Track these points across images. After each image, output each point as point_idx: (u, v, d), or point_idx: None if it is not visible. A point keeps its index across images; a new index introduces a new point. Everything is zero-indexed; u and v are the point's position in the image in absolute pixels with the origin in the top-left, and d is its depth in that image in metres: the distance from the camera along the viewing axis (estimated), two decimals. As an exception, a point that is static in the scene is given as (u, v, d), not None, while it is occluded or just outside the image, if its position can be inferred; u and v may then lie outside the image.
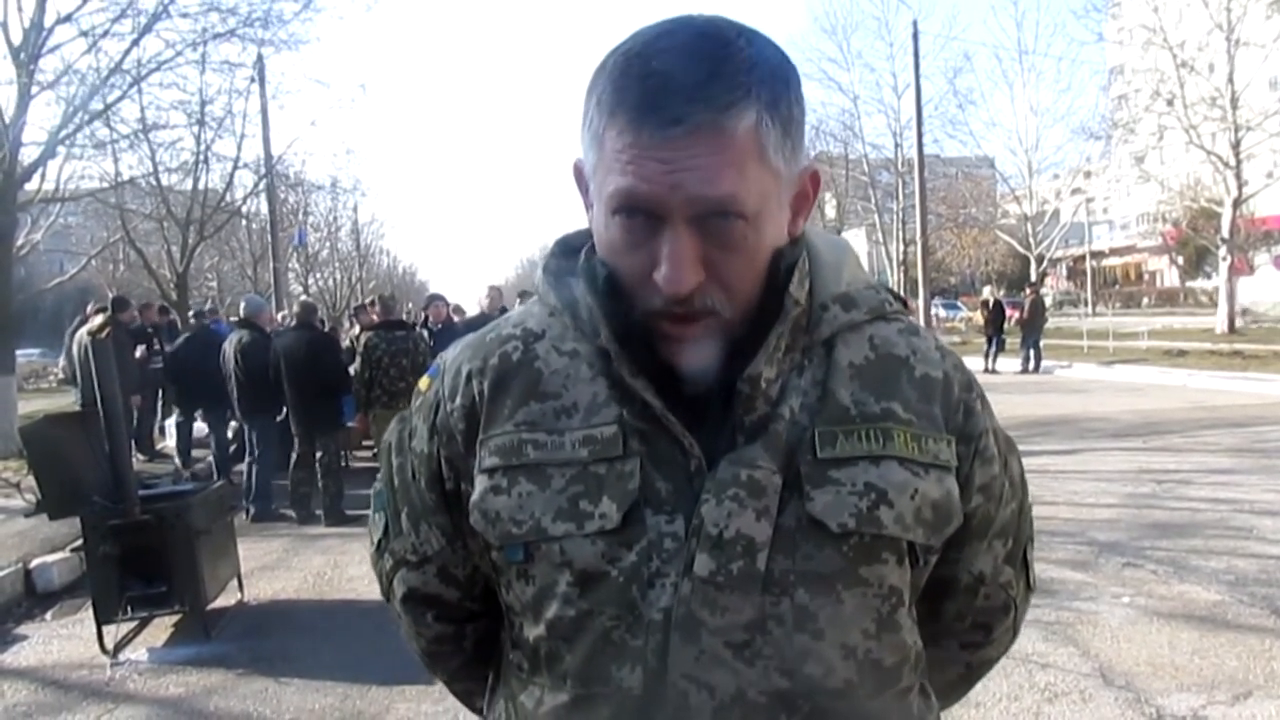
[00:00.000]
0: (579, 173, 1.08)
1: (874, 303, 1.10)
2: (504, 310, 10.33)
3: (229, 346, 9.48)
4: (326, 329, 10.76)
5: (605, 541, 0.98)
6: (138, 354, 11.81)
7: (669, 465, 1.00)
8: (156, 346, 13.88)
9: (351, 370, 9.08)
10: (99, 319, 12.02)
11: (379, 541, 1.20)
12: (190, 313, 16.89)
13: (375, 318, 10.07)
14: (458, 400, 1.09)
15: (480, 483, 1.04)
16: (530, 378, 1.06)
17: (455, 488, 1.10)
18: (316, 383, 8.69)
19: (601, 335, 1.02)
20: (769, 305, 1.01)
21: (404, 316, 11.86)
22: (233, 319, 15.05)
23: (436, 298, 11.96)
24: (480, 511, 1.04)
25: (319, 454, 8.83)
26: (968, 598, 1.18)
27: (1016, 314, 22.89)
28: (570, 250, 1.14)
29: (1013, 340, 22.95)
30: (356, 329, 10.83)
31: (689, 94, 0.91)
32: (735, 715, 0.96)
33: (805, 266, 1.05)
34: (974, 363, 21.76)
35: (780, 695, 0.97)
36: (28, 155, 13.08)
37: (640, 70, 0.94)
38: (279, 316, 15.52)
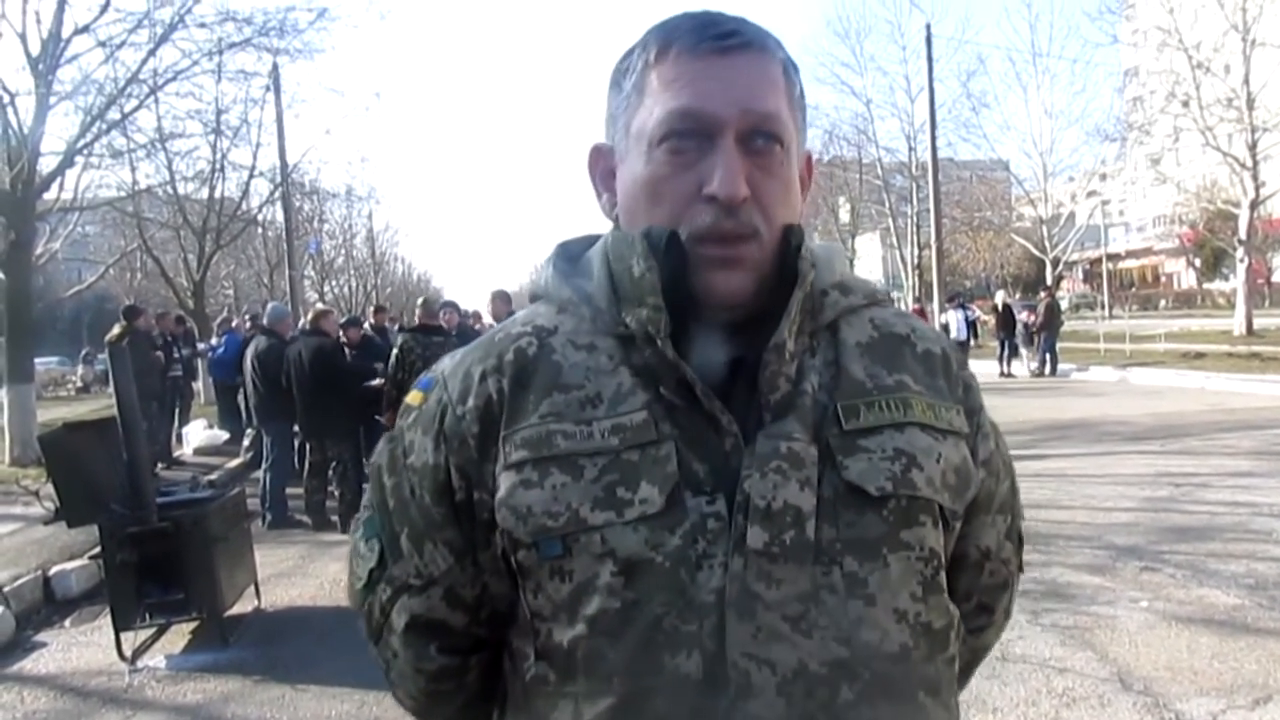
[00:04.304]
0: (596, 157, 1.12)
1: (867, 289, 1.14)
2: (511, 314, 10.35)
3: (249, 353, 9.55)
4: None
5: (647, 527, 0.96)
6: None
7: (703, 446, 0.99)
8: (176, 355, 14.00)
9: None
10: (117, 328, 12.13)
11: (370, 572, 1.12)
12: (248, 316, 17.05)
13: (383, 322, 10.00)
14: (470, 402, 1.05)
15: (507, 479, 1.01)
16: (550, 371, 1.04)
17: (467, 498, 1.06)
18: (324, 389, 8.70)
19: (644, 310, 1.01)
20: (783, 283, 1.03)
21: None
22: (247, 327, 15.19)
23: (449, 304, 11.97)
24: (509, 508, 1.00)
25: (333, 461, 8.86)
26: (975, 573, 1.19)
27: (1031, 317, 22.86)
28: (572, 256, 1.14)
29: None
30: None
31: (737, 22, 1.04)
32: (799, 689, 0.95)
33: (807, 251, 1.07)
34: (989, 366, 21.74)
35: (840, 664, 0.96)
36: (46, 165, 13.19)
37: (689, 16, 1.05)
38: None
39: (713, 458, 0.99)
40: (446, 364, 1.12)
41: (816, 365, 1.06)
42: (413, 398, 1.13)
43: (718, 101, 0.99)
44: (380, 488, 1.12)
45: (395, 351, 8.59)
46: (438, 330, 9.13)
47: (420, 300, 10.66)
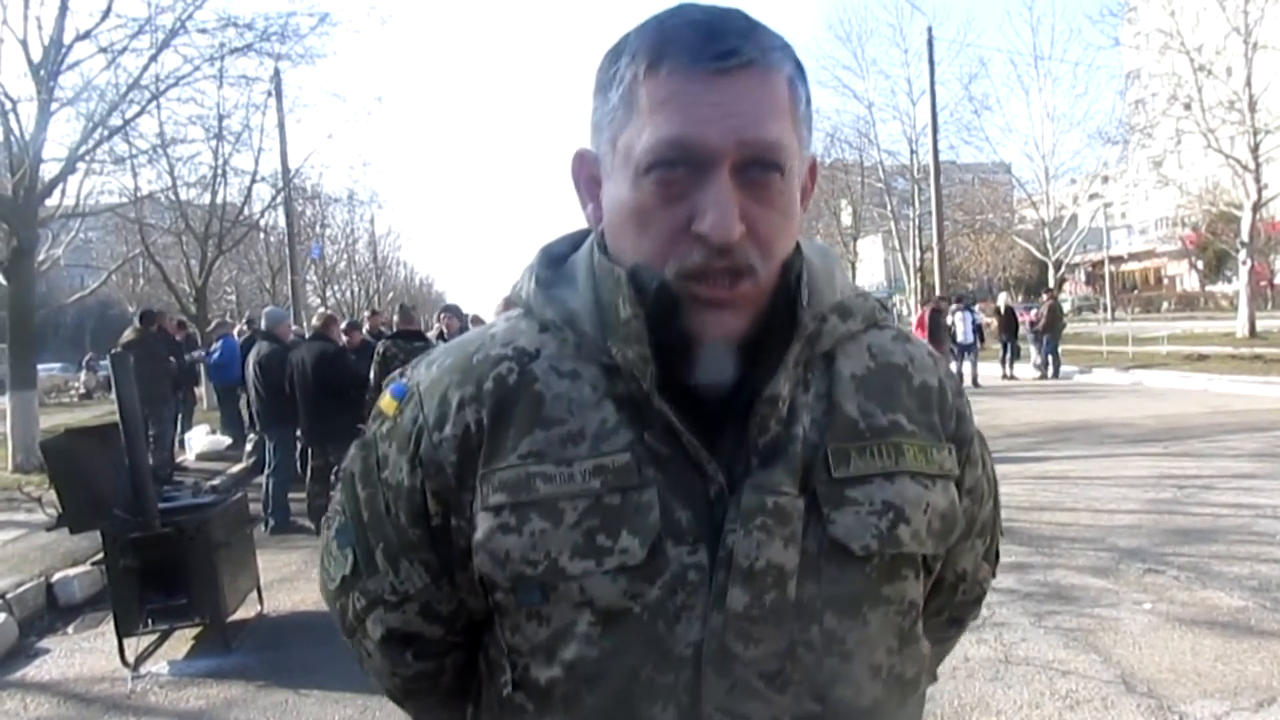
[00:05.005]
0: (580, 164, 1.05)
1: (867, 311, 1.08)
2: None
3: (251, 358, 9.56)
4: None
5: (627, 578, 0.94)
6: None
7: (687, 492, 0.95)
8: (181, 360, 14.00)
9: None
10: (130, 332, 12.14)
11: (344, 578, 1.09)
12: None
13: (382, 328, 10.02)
14: (447, 430, 1.01)
15: (485, 521, 0.97)
16: (531, 403, 0.99)
17: (444, 523, 1.02)
18: (327, 394, 8.70)
19: (630, 351, 0.95)
20: (778, 316, 0.98)
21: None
22: (240, 330, 15.18)
23: (450, 308, 11.96)
24: (488, 552, 0.97)
25: (335, 465, 8.86)
26: (949, 594, 1.19)
27: (1031, 319, 22.84)
28: (557, 260, 1.09)
29: (1026, 346, 22.93)
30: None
31: (739, 33, 0.93)
32: None
33: (805, 277, 1.01)
34: (992, 369, 21.73)
35: (812, 719, 0.96)
36: (48, 171, 13.17)
37: (686, 18, 0.95)
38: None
39: (696, 505, 0.96)
40: (422, 375, 1.07)
41: (809, 401, 1.01)
42: (386, 405, 1.08)
43: (712, 130, 0.91)
44: (354, 497, 1.08)
45: (377, 358, 8.59)
46: (418, 335, 9.22)
47: (398, 306, 10.68)
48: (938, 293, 25.90)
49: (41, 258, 16.19)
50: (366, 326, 11.97)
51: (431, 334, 11.59)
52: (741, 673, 0.94)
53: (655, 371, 0.95)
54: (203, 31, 14.61)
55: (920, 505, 1.01)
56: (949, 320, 20.63)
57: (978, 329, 21.74)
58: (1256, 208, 25.93)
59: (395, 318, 9.88)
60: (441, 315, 11.45)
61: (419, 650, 1.11)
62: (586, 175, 1.06)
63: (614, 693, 0.95)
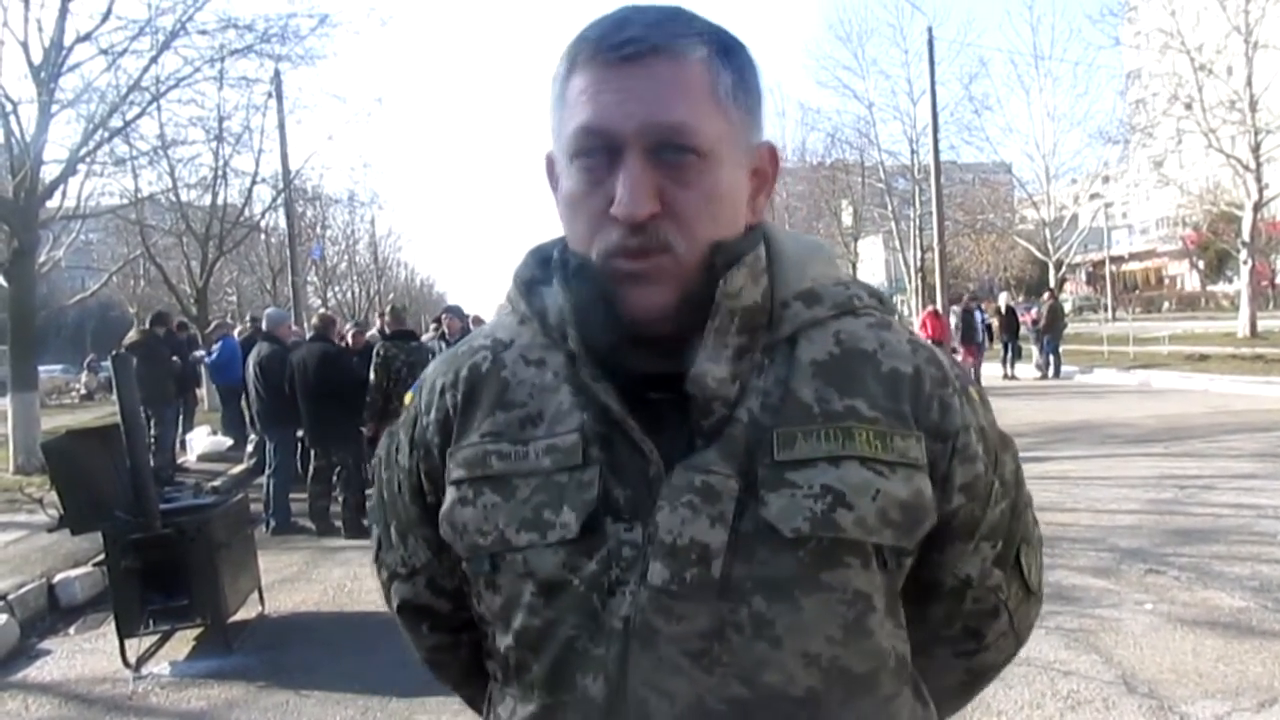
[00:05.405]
0: (549, 165, 1.09)
1: (840, 298, 1.07)
2: None
3: (251, 359, 9.57)
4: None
5: (566, 551, 0.98)
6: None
7: (628, 472, 0.99)
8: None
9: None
10: (134, 333, 12.15)
11: (375, 554, 1.23)
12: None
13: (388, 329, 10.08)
14: (432, 414, 1.11)
15: (449, 495, 1.06)
16: (497, 388, 1.07)
17: (436, 501, 1.10)
18: (329, 395, 8.72)
19: (569, 336, 1.02)
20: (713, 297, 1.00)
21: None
22: (242, 330, 15.16)
23: (452, 309, 11.97)
24: (449, 523, 1.06)
25: (336, 466, 8.87)
26: (954, 602, 1.12)
27: (1032, 319, 22.80)
28: (544, 259, 1.12)
29: (1028, 346, 22.89)
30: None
31: (646, 25, 0.98)
32: None
33: (760, 264, 1.03)
34: (993, 369, 21.71)
35: (740, 703, 0.96)
36: (49, 173, 13.20)
37: (604, 18, 1.01)
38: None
39: (635, 484, 0.99)
40: (430, 369, 1.18)
41: (762, 386, 1.02)
42: (407, 398, 1.19)
43: (614, 116, 0.95)
44: (379, 479, 1.20)
45: (377, 360, 8.61)
46: (411, 335, 9.35)
47: (389, 309, 10.69)
48: (939, 293, 25.87)
49: (42, 259, 16.22)
50: (377, 326, 11.98)
51: (430, 334, 11.59)
52: (666, 649, 0.96)
53: (583, 350, 1.01)
54: (203, 33, 14.66)
55: (866, 492, 0.98)
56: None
57: (987, 328, 21.65)
58: (1257, 207, 25.94)
59: (388, 319, 9.90)
60: (444, 316, 11.46)
61: (434, 623, 1.22)
62: (553, 176, 1.10)
63: (554, 662, 1.01)
